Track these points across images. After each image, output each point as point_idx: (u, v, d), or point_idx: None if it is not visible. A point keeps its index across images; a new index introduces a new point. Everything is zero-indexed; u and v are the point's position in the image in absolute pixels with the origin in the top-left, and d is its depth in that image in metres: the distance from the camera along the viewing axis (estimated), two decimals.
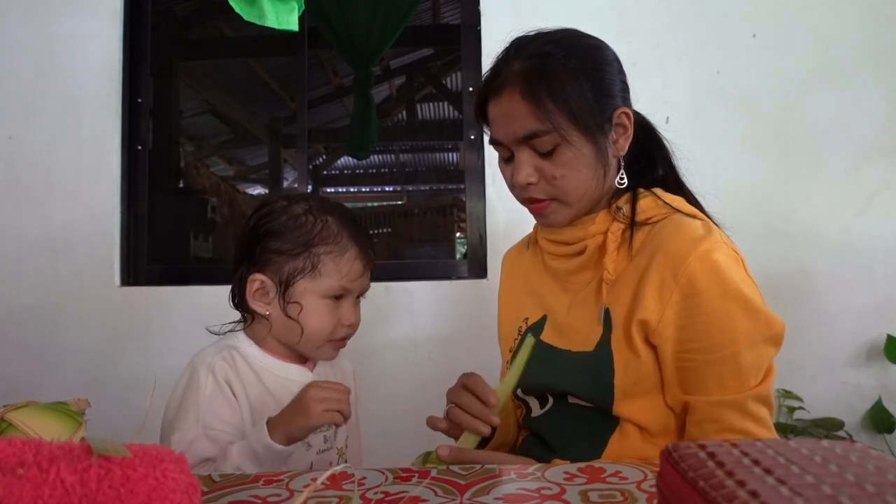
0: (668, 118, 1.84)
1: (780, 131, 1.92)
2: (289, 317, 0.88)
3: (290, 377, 0.91)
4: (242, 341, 0.92)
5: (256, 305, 0.89)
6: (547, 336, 0.89)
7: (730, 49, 1.94)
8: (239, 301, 0.92)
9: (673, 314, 0.76)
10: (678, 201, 0.86)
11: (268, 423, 0.78)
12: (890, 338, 1.80)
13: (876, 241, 1.88)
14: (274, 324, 0.90)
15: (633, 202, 0.84)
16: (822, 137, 1.91)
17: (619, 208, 0.85)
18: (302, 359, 0.95)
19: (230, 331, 0.96)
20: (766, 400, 0.76)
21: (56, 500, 0.39)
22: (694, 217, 0.83)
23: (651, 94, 1.87)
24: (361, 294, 0.94)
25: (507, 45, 0.85)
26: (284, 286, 0.87)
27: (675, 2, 1.95)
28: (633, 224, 0.83)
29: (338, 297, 0.89)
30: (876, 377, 1.86)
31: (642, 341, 0.78)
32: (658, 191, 0.87)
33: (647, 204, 0.85)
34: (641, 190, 0.86)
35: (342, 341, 0.93)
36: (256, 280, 0.88)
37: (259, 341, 0.92)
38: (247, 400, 0.87)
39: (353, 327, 0.92)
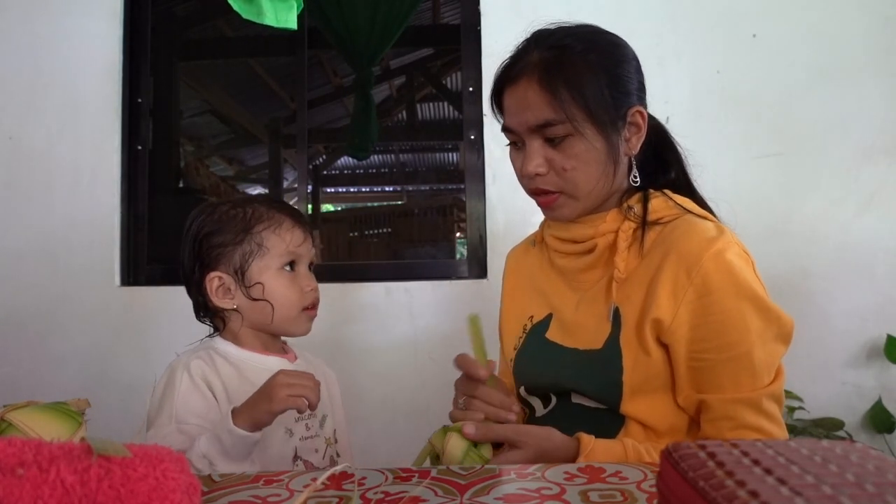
0: (668, 118, 1.84)
1: (780, 131, 1.92)
2: (255, 299, 0.91)
3: (270, 367, 0.91)
4: (220, 343, 0.94)
5: (222, 302, 0.92)
6: (552, 334, 0.90)
7: (730, 49, 1.93)
8: (204, 306, 0.94)
9: (687, 313, 0.76)
10: (688, 203, 0.86)
11: (233, 410, 0.78)
12: (890, 338, 1.80)
13: (876, 241, 1.88)
14: (245, 313, 0.92)
15: (645, 202, 0.85)
16: (822, 137, 1.91)
17: (630, 207, 0.85)
18: (281, 352, 0.97)
19: (205, 338, 0.98)
20: (778, 398, 0.78)
21: (56, 500, 0.39)
22: (705, 218, 0.83)
23: (651, 94, 1.86)
24: (311, 262, 0.97)
25: (528, 37, 0.85)
26: (241, 273, 0.91)
27: (675, 2, 1.95)
28: (644, 223, 0.83)
29: (291, 267, 0.94)
30: (876, 377, 1.86)
31: (654, 340, 0.79)
32: (668, 192, 0.87)
33: (659, 204, 0.85)
34: (652, 190, 0.87)
35: (313, 310, 0.96)
36: (214, 278, 0.91)
37: (236, 340, 0.94)
38: (226, 395, 0.87)
39: (316, 291, 0.96)
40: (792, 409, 1.76)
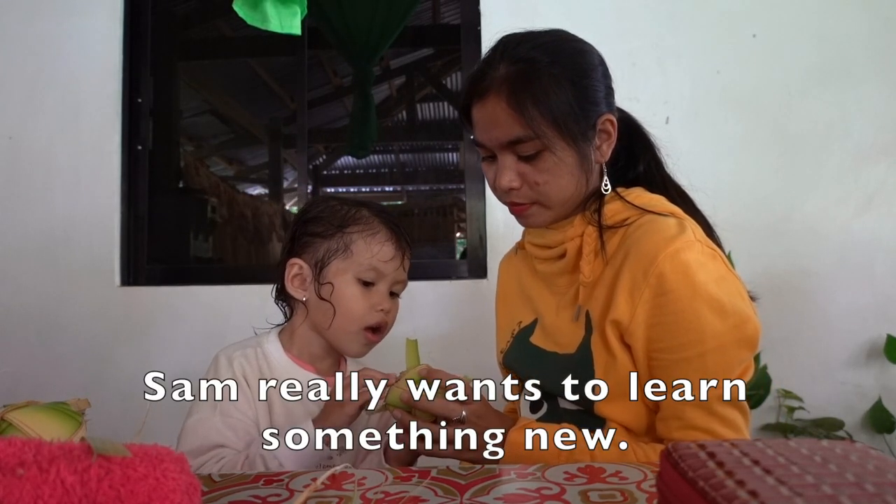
0: (668, 118, 1.84)
1: (780, 131, 1.92)
2: (322, 298, 0.89)
3: (304, 382, 0.91)
4: (270, 342, 0.93)
5: (294, 291, 0.92)
6: (536, 339, 0.91)
7: (730, 49, 1.93)
8: (279, 289, 0.95)
9: (644, 314, 0.76)
10: (656, 200, 0.85)
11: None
12: (890, 338, 1.80)
13: (876, 241, 1.88)
14: (310, 309, 0.92)
15: (599, 207, 0.85)
16: (822, 137, 1.91)
17: (593, 213, 0.86)
18: (323, 371, 0.95)
19: (268, 330, 0.97)
20: (736, 402, 0.76)
21: (56, 500, 0.39)
22: (672, 215, 0.82)
23: (651, 94, 1.86)
24: (396, 285, 0.94)
25: (494, 46, 0.84)
26: (319, 267, 0.90)
27: (675, 2, 1.95)
28: (601, 228, 0.83)
29: (369, 284, 0.91)
30: (876, 377, 1.85)
31: (618, 342, 0.79)
32: (630, 191, 0.86)
33: (615, 208, 0.85)
34: (610, 194, 0.86)
35: (375, 334, 0.93)
36: (295, 264, 0.92)
37: (286, 343, 0.93)
38: (257, 398, 0.88)
39: (387, 313, 0.93)
40: (792, 409, 1.76)
